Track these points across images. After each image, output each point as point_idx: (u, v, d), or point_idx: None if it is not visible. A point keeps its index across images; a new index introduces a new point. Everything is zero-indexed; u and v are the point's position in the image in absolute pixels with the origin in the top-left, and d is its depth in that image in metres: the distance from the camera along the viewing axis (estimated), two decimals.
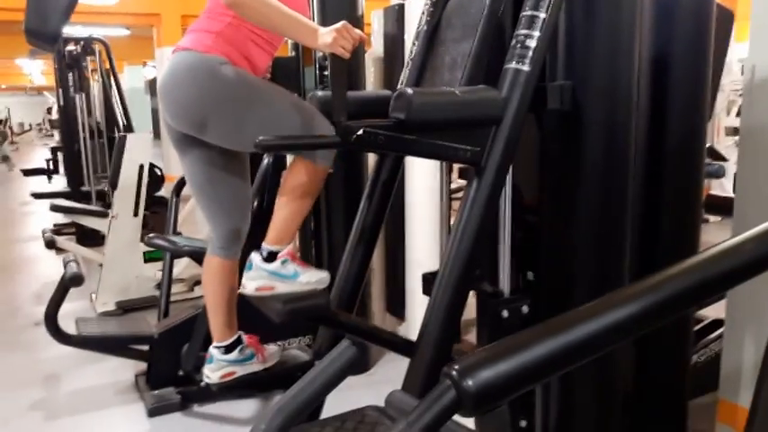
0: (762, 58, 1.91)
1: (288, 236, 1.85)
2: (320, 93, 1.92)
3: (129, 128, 6.60)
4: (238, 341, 2.09)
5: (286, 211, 1.84)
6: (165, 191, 5.90)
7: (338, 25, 1.59)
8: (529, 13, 1.58)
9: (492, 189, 1.57)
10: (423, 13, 1.96)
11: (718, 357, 2.27)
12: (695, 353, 2.44)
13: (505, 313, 1.77)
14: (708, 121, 2.20)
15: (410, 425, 0.62)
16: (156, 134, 11.27)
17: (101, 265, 4.32)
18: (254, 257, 1.81)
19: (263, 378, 2.11)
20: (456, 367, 0.64)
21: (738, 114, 6.33)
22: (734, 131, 6.36)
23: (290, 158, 1.84)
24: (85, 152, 6.37)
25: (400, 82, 1.98)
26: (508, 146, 1.57)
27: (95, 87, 6.78)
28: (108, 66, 6.64)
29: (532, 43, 1.56)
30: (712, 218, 5.55)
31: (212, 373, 2.08)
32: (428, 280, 1.91)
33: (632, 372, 2.18)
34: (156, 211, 5.54)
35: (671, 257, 2.12)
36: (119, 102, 6.75)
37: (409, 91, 1.49)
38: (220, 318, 2.07)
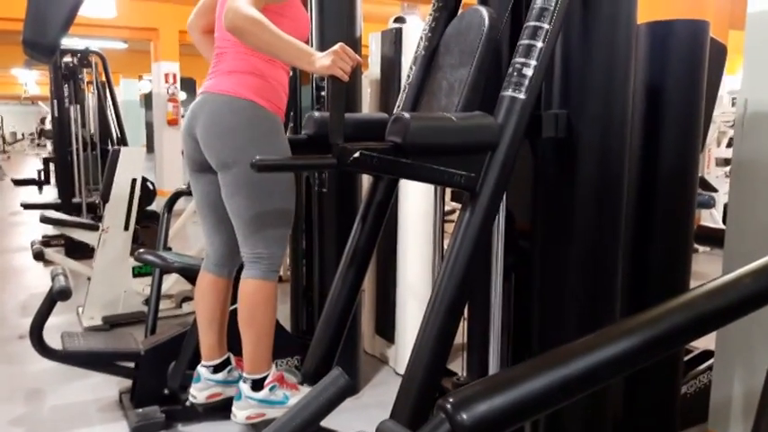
0: (754, 92, 1.94)
1: (265, 360, 1.90)
2: (317, 113, 1.93)
3: (122, 141, 6.60)
4: (227, 362, 2.07)
5: (252, 338, 1.90)
6: (157, 205, 5.88)
7: (336, 47, 1.61)
8: (526, 42, 1.60)
9: (486, 214, 1.57)
10: (421, 38, 1.97)
11: (707, 389, 2.27)
12: (685, 384, 2.43)
13: None
14: (700, 151, 2.22)
15: None
16: (150, 148, 11.27)
17: (89, 279, 4.28)
18: (242, 387, 1.86)
19: None
20: (450, 400, 0.64)
21: (729, 146, 6.40)
22: (724, 162, 6.43)
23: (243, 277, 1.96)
24: (78, 164, 6.35)
25: (397, 106, 1.99)
26: (503, 172, 1.57)
27: (90, 99, 6.78)
28: (104, 78, 6.64)
29: (529, 72, 1.58)
30: (702, 248, 5.58)
31: (198, 393, 2.06)
32: None
33: (622, 401, 2.17)
34: (148, 226, 5.52)
35: (662, 286, 2.15)
36: (113, 115, 6.75)
37: (406, 115, 1.50)
38: (210, 336, 2.05)
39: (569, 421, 1.76)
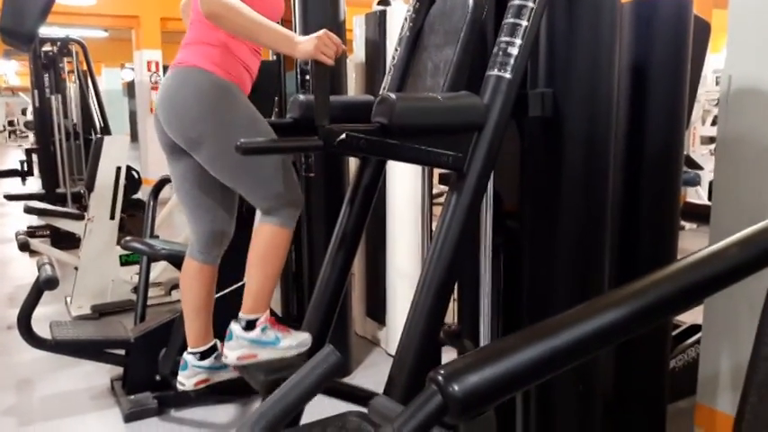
0: (738, 68, 1.95)
1: (263, 303, 1.87)
2: (302, 96, 1.91)
3: (106, 130, 6.53)
4: (213, 348, 2.06)
5: (258, 279, 1.86)
6: (143, 194, 5.84)
7: (320, 33, 1.60)
8: (511, 20, 1.60)
9: (474, 195, 1.58)
10: (405, 19, 1.96)
11: (695, 362, 2.30)
12: (673, 358, 2.47)
13: None
14: (685, 129, 2.23)
15: (396, 431, 0.62)
16: (134, 136, 11.16)
17: (76, 269, 4.26)
18: (234, 327, 1.84)
19: (241, 383, 2.09)
20: (442, 372, 0.64)
21: (713, 124, 6.44)
22: (709, 140, 6.47)
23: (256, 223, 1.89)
24: (61, 154, 6.29)
25: (383, 87, 1.98)
26: (490, 152, 1.58)
27: (72, 89, 6.69)
28: (85, 67, 6.56)
29: (514, 51, 1.58)
30: (688, 225, 5.63)
31: (186, 380, 2.05)
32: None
33: (612, 376, 2.20)
34: (134, 214, 5.49)
35: (649, 263, 2.17)
36: (96, 103, 6.67)
37: (392, 96, 1.49)
38: (197, 323, 2.04)
39: (560, 395, 1.78)
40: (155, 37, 9.66)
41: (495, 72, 1.58)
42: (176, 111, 1.83)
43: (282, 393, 0.76)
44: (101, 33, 12.25)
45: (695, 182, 4.77)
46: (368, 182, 1.95)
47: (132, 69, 11.32)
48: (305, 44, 1.60)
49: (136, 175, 5.87)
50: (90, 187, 4.25)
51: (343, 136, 1.45)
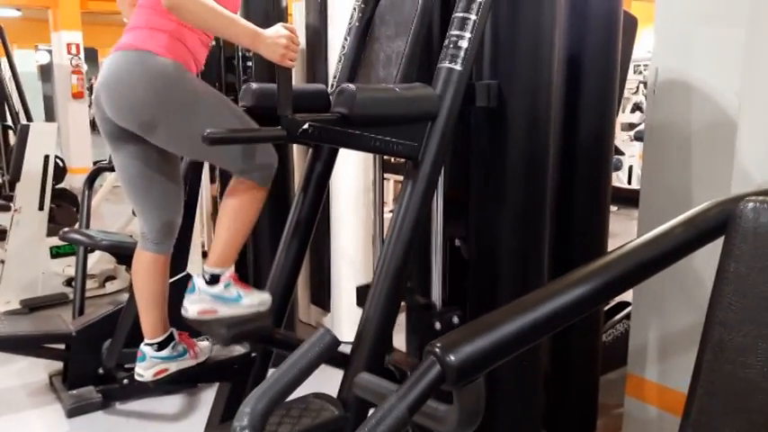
0: (664, 60, 2.09)
1: (230, 258, 1.87)
2: (255, 85, 1.92)
3: (27, 116, 6.24)
4: (171, 338, 2.06)
5: (227, 234, 1.85)
6: (67, 183, 5.64)
7: (282, 39, 1.61)
8: (461, 14, 1.67)
9: (428, 182, 1.65)
10: (354, 9, 2.00)
11: (625, 336, 2.47)
12: (604, 333, 2.64)
13: (438, 326, 1.85)
14: (615, 117, 2.38)
15: (400, 399, 0.68)
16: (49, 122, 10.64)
17: (2, 262, 4.08)
18: (197, 281, 1.82)
19: (198, 372, 2.10)
20: (439, 345, 0.71)
21: (633, 111, 6.78)
22: (629, 127, 6.81)
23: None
24: None
25: (333, 77, 2.02)
26: (443, 141, 1.65)
27: None
28: (1, 49, 6.23)
29: (464, 44, 1.66)
30: (612, 207, 5.93)
31: (145, 371, 2.03)
32: (362, 293, 2.00)
33: (551, 352, 2.34)
34: (60, 204, 5.29)
35: (583, 242, 2.31)
36: (15, 88, 6.35)
37: (352, 86, 1.54)
38: (152, 314, 2.03)
39: (506, 369, 1.88)
40: (74, 17, 9.24)
41: (447, 64, 1.66)
42: (125, 95, 1.78)
43: (281, 372, 0.80)
44: (13, 12, 11.62)
45: (618, 167, 5.04)
46: (321, 170, 1.99)
47: (48, 51, 10.75)
48: (269, 49, 1.61)
49: (61, 164, 5.65)
50: (16, 177, 4.08)
51: (306, 126, 1.49)
